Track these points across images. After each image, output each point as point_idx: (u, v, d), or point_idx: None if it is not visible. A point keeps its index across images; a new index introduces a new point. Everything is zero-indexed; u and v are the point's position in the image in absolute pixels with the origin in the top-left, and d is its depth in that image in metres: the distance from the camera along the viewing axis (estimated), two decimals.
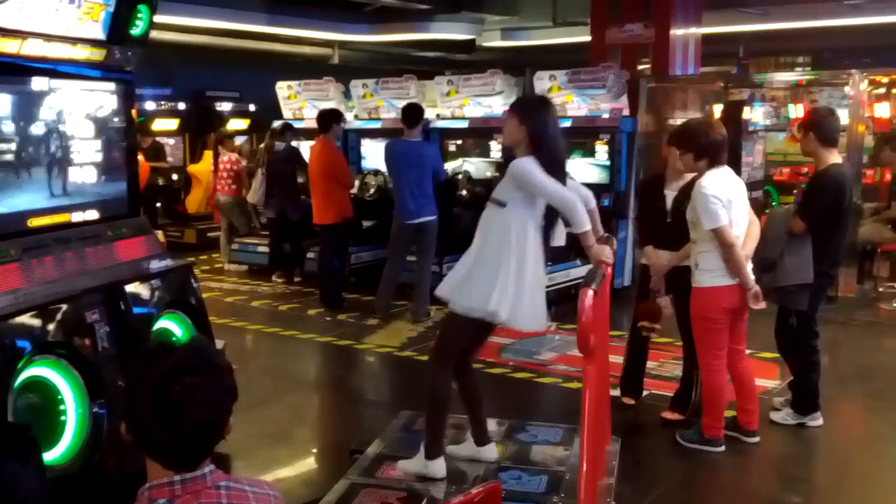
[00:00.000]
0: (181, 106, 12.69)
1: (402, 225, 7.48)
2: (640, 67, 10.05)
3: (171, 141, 12.56)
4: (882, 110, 9.81)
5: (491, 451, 4.14)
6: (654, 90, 8.93)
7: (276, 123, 10.24)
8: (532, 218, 3.75)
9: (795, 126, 5.28)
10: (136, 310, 4.24)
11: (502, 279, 3.68)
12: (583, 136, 8.67)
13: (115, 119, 4.67)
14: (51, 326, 3.72)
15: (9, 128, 3.95)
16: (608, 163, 8.56)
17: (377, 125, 10.20)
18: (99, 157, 4.56)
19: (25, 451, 3.22)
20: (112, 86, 4.64)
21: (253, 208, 10.48)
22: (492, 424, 4.46)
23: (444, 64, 15.01)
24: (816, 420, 5.00)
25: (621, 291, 7.66)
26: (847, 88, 8.19)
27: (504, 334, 6.86)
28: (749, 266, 4.52)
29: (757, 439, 4.76)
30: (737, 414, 4.79)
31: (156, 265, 4.65)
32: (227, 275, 10.02)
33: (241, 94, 13.60)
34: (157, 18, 4.72)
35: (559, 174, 3.76)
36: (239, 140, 11.79)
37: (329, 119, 8.11)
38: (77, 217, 4.38)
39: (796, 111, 9.73)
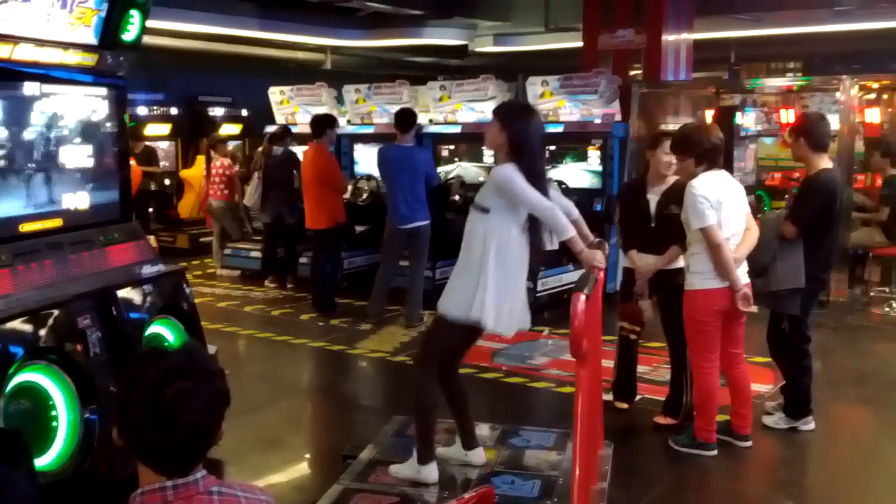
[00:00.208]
0: (173, 111, 12.67)
1: (394, 230, 7.48)
2: (632, 73, 10.09)
3: (164, 146, 12.53)
4: (873, 116, 9.87)
5: (479, 456, 4.15)
6: (646, 95, 8.96)
7: (273, 127, 10.24)
8: (515, 223, 3.78)
9: (786, 131, 5.29)
10: (128, 315, 4.23)
11: (484, 285, 3.71)
12: (575, 141, 8.71)
13: (108, 124, 4.66)
14: (42, 332, 3.71)
15: (0, 133, 3.93)
16: (600, 168, 8.58)
17: (370, 130, 10.22)
18: (91, 162, 4.55)
19: (17, 456, 3.21)
20: (104, 91, 4.63)
21: (246, 213, 10.47)
22: (485, 429, 4.46)
23: (437, 69, 15.04)
24: (808, 424, 5.01)
25: (613, 296, 7.66)
26: (838, 94, 8.24)
27: (497, 339, 6.86)
28: (744, 269, 4.54)
29: (749, 444, 4.77)
30: (730, 418, 4.80)
31: (148, 270, 4.64)
32: (220, 280, 9.99)
33: (234, 100, 13.59)
34: (150, 23, 4.72)
35: (539, 181, 3.79)
36: (231, 145, 11.77)
37: (323, 124, 8.11)
38: (69, 222, 4.36)
39: (787, 116, 9.76)
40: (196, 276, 9.94)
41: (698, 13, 10.09)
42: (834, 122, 7.97)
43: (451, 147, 9.79)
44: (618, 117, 8.57)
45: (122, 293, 4.25)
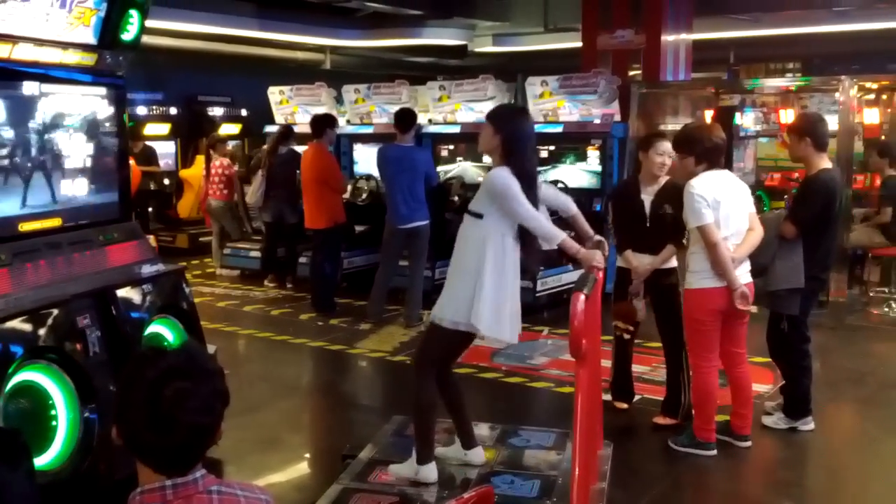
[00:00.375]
0: (173, 111, 12.66)
1: (394, 230, 7.48)
2: (632, 73, 10.09)
3: (164, 145, 12.52)
4: (872, 116, 9.86)
5: (478, 455, 4.16)
6: (646, 96, 8.96)
7: (275, 127, 10.20)
8: (510, 228, 3.80)
9: (785, 132, 5.29)
10: (127, 315, 4.23)
11: (481, 291, 3.71)
12: (574, 141, 8.71)
13: (107, 124, 4.66)
14: (42, 331, 3.71)
15: (0, 132, 3.93)
16: (599, 168, 8.58)
17: (369, 130, 10.22)
18: (90, 162, 4.54)
19: (16, 456, 3.21)
20: (103, 90, 4.63)
21: (245, 213, 10.46)
22: (484, 429, 4.46)
23: (436, 69, 15.03)
24: (808, 424, 5.02)
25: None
26: (837, 94, 8.23)
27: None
28: (746, 268, 4.54)
29: (749, 444, 4.77)
30: (730, 418, 4.80)
31: (147, 270, 4.64)
32: (219, 279, 9.99)
33: (233, 99, 13.59)
34: (149, 23, 4.72)
35: (530, 183, 3.81)
36: (231, 145, 11.77)
37: (322, 124, 8.11)
38: (68, 222, 4.36)
39: (787, 117, 9.76)
40: (195, 275, 9.94)
41: (697, 13, 10.09)
42: (833, 122, 7.98)
43: (451, 147, 9.79)
44: (617, 117, 8.57)
45: (122, 293, 4.25)
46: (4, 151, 3.95)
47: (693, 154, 4.57)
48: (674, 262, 5.04)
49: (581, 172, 8.70)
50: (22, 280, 3.86)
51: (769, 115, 9.84)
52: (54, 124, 4.28)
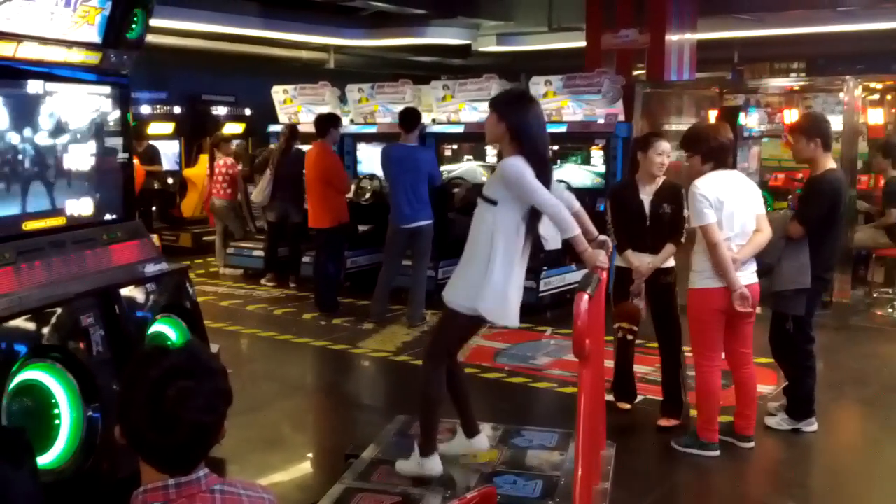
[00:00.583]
0: (177, 110, 12.68)
1: (397, 229, 7.48)
2: (636, 73, 10.09)
3: (168, 144, 12.53)
4: (876, 116, 9.84)
5: (482, 441, 4.16)
6: (650, 95, 8.94)
7: (277, 126, 10.19)
8: (522, 217, 3.77)
9: (789, 132, 5.28)
10: (130, 314, 4.23)
11: (490, 277, 3.70)
12: (578, 141, 8.70)
13: (111, 122, 4.67)
14: (45, 330, 3.71)
15: (4, 130, 3.94)
16: (603, 168, 8.57)
17: (373, 130, 10.22)
18: (94, 161, 4.55)
19: (19, 455, 3.21)
20: (107, 89, 4.63)
21: (249, 212, 10.46)
22: (487, 429, 4.46)
23: (440, 69, 15.03)
24: (811, 425, 5.01)
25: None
26: (842, 95, 8.22)
27: (499, 339, 6.87)
28: (751, 269, 4.54)
29: (752, 445, 4.76)
30: (734, 419, 4.80)
31: (151, 269, 4.64)
32: (223, 279, 10.00)
33: (237, 99, 13.60)
34: (153, 22, 4.72)
35: (544, 170, 3.77)
36: (234, 144, 11.77)
37: (326, 123, 8.11)
38: (72, 221, 4.37)
39: (791, 117, 9.74)
40: (199, 274, 9.95)
41: (702, 13, 10.08)
42: (837, 122, 7.97)
43: (455, 147, 9.78)
44: (621, 117, 8.56)
45: (125, 292, 4.26)
46: (8, 151, 3.96)
47: (699, 153, 4.58)
48: (672, 262, 5.05)
49: (585, 172, 8.70)
50: (26, 279, 3.87)
51: (773, 116, 9.81)
52: (58, 123, 4.28)
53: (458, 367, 4.19)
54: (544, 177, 3.75)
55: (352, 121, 10.47)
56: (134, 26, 4.51)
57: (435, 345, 4.06)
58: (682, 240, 4.98)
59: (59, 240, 4.21)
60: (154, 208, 11.86)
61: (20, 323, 3.60)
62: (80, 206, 4.45)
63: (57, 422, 3.76)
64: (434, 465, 3.93)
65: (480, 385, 5.84)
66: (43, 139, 4.18)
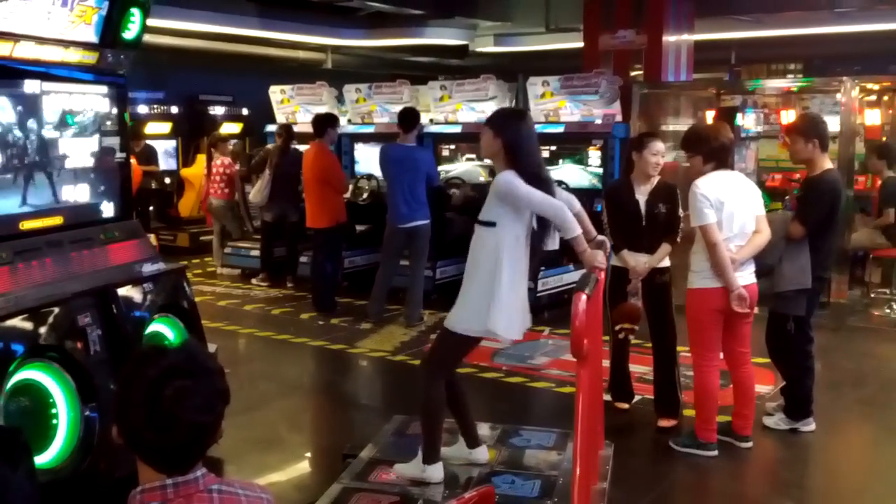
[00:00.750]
0: (174, 110, 12.68)
1: (394, 229, 7.48)
2: (633, 74, 10.08)
3: (165, 144, 12.52)
4: (873, 117, 9.85)
5: (482, 453, 4.16)
6: (647, 96, 8.94)
7: (274, 126, 10.17)
8: (522, 231, 3.79)
9: (786, 133, 5.28)
10: (128, 313, 4.22)
11: (499, 298, 3.72)
12: (575, 141, 8.70)
13: (108, 122, 4.66)
14: (42, 330, 3.71)
15: (1, 130, 3.93)
16: (601, 169, 8.57)
17: (370, 130, 10.22)
18: (91, 161, 4.55)
19: (16, 454, 3.20)
20: (104, 89, 4.63)
21: (246, 212, 10.46)
22: (485, 429, 4.46)
23: (438, 69, 15.02)
24: (809, 425, 5.01)
25: None
26: (839, 96, 8.22)
27: (498, 339, 6.86)
28: (749, 269, 4.54)
29: (750, 444, 4.77)
30: (732, 419, 4.80)
31: (148, 269, 4.64)
32: (220, 278, 10.00)
33: (234, 99, 13.59)
34: (150, 22, 4.72)
35: (543, 184, 3.79)
36: (232, 144, 11.76)
37: (324, 123, 8.11)
38: (69, 220, 4.36)
39: (788, 118, 9.75)
40: (196, 274, 9.94)
41: (699, 14, 10.07)
42: (834, 123, 7.97)
43: (452, 147, 9.78)
44: (618, 118, 8.56)
45: (123, 291, 4.25)
46: (5, 150, 3.95)
47: (701, 153, 4.58)
48: (668, 261, 5.06)
49: (582, 173, 8.70)
50: (23, 278, 3.86)
51: (770, 116, 9.82)
52: (56, 123, 4.28)
53: (456, 383, 4.17)
54: (545, 190, 3.76)
55: (349, 121, 10.47)
56: (131, 26, 4.50)
57: (434, 361, 4.06)
58: (678, 239, 4.99)
59: (57, 239, 4.21)
60: (151, 208, 11.85)
61: (17, 322, 3.59)
62: (78, 206, 4.45)
63: (54, 421, 3.76)
64: (435, 473, 3.93)
65: (478, 385, 5.84)
66: (40, 139, 4.17)
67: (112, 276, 4.33)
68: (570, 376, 5.79)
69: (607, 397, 5.14)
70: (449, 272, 8.49)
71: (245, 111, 13.49)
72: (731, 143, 4.69)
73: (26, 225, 4.08)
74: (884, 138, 9.73)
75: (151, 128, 12.25)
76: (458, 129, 9.50)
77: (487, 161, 9.24)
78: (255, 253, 9.83)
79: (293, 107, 10.94)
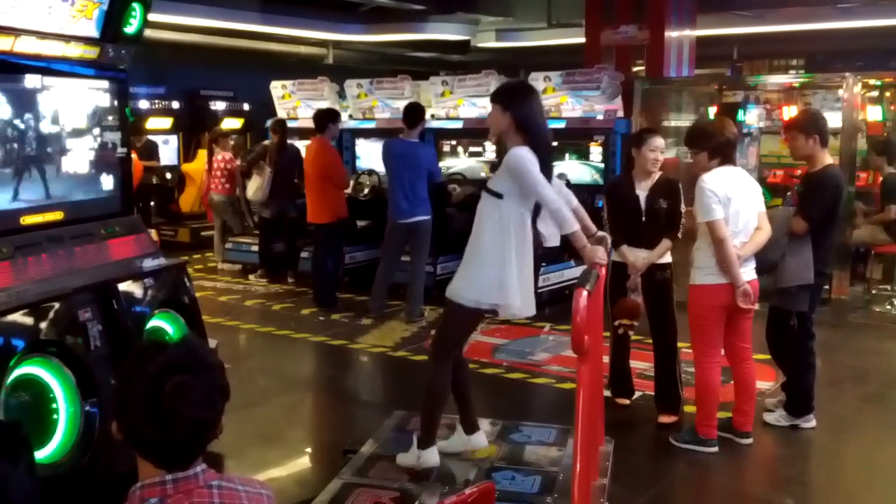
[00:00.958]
0: (175, 105, 12.66)
1: (395, 225, 7.47)
2: (635, 69, 10.07)
3: (166, 140, 12.52)
4: (875, 113, 9.84)
5: (480, 439, 4.16)
6: (649, 92, 8.94)
7: (272, 120, 10.18)
8: (528, 209, 3.78)
9: (785, 129, 5.27)
10: (128, 308, 4.22)
11: (510, 270, 3.70)
12: (577, 137, 8.69)
13: (109, 117, 4.66)
14: (43, 325, 3.71)
15: (2, 125, 3.93)
16: (602, 164, 8.57)
17: (372, 125, 10.21)
18: (92, 156, 4.54)
19: (16, 449, 3.21)
20: (105, 84, 4.62)
21: (247, 207, 10.45)
22: (485, 424, 4.45)
23: (439, 64, 15.01)
24: (810, 422, 5.01)
25: None
26: (840, 91, 8.21)
27: (498, 335, 6.87)
28: (750, 266, 4.54)
29: (750, 441, 4.77)
30: (732, 415, 4.80)
31: (149, 264, 4.64)
32: (221, 274, 10.00)
33: (236, 94, 13.58)
34: (151, 17, 4.72)
35: (547, 160, 3.78)
36: (233, 139, 11.75)
37: (325, 119, 8.10)
38: (70, 215, 4.36)
39: (790, 114, 9.73)
40: (197, 270, 9.95)
41: (701, 10, 10.06)
42: (836, 119, 7.96)
43: (453, 142, 9.78)
44: (620, 113, 8.56)
45: (123, 286, 4.25)
46: (6, 145, 3.95)
47: (706, 149, 4.57)
48: (669, 257, 5.05)
49: (583, 168, 8.69)
50: (23, 273, 3.86)
51: (772, 112, 9.81)
52: (56, 118, 4.28)
53: (462, 364, 4.18)
54: (546, 168, 3.76)
55: (350, 116, 10.46)
56: (132, 21, 4.50)
57: (440, 342, 4.06)
58: (679, 235, 4.97)
59: (57, 234, 4.21)
60: (152, 203, 11.86)
61: (18, 317, 3.59)
62: (78, 201, 4.45)
63: (54, 416, 3.76)
64: (431, 458, 3.94)
65: (479, 381, 5.83)
66: (40, 134, 4.17)
67: (112, 272, 4.33)
68: (570, 372, 5.80)
69: (607, 393, 5.13)
70: (450, 268, 8.46)
71: (246, 106, 13.48)
72: (736, 139, 4.68)
73: (27, 220, 4.08)
74: (885, 135, 9.71)
75: (152, 123, 12.24)
76: (459, 125, 9.49)
77: (489, 158, 9.35)
78: (256, 248, 9.82)
79: (294, 102, 10.94)
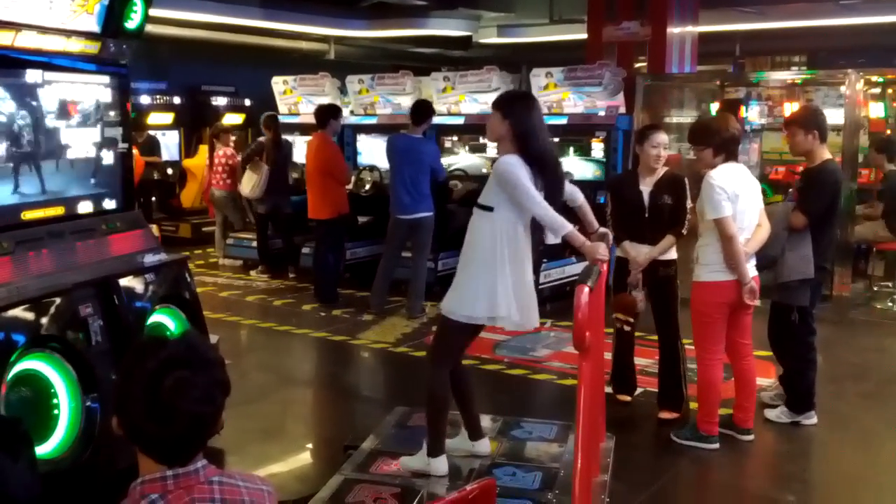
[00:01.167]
0: (176, 100, 12.65)
1: (397, 220, 7.47)
2: (637, 65, 10.04)
3: (167, 135, 12.51)
4: (877, 110, 9.82)
5: (484, 445, 4.16)
6: (651, 88, 8.92)
7: (264, 116, 10.15)
8: (521, 217, 3.75)
9: (785, 125, 5.26)
10: (129, 304, 4.22)
11: (505, 283, 3.69)
12: (579, 133, 8.68)
13: (110, 113, 4.66)
14: (44, 320, 3.71)
15: (3, 120, 3.92)
16: (604, 160, 8.56)
17: (373, 121, 10.20)
18: (93, 151, 4.54)
19: (17, 444, 3.21)
20: (107, 79, 4.62)
21: (248, 202, 10.46)
22: (486, 421, 4.46)
23: (441, 60, 14.98)
24: (811, 419, 5.01)
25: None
26: (843, 88, 8.20)
27: (499, 331, 6.86)
28: (751, 263, 4.53)
29: (751, 437, 4.76)
30: (733, 411, 4.80)
31: (150, 259, 4.64)
32: (222, 269, 10.00)
33: (237, 89, 13.57)
34: (153, 12, 4.71)
35: (549, 169, 3.76)
36: (234, 135, 11.75)
37: (327, 114, 8.09)
38: (71, 210, 4.36)
39: (792, 110, 9.72)
40: (198, 265, 9.95)
41: (703, 6, 10.03)
42: (839, 116, 7.95)
43: (455, 138, 9.77)
44: (622, 110, 8.55)
45: (124, 282, 4.25)
46: (7, 140, 3.95)
47: (711, 146, 4.55)
48: (673, 254, 5.04)
49: (585, 164, 8.68)
50: (24, 268, 3.86)
51: (774, 109, 9.79)
52: (57, 113, 4.27)
53: (464, 371, 4.17)
54: (549, 175, 3.74)
55: (352, 112, 10.44)
56: (133, 16, 4.50)
57: (437, 350, 4.05)
58: (684, 231, 4.95)
59: (58, 230, 4.20)
60: (154, 199, 11.85)
61: (19, 313, 3.59)
62: (80, 196, 4.44)
63: (55, 412, 3.76)
64: (440, 466, 3.93)
65: (480, 377, 5.83)
66: (42, 129, 4.17)
67: (114, 267, 4.33)
68: (571, 368, 5.79)
69: (608, 390, 5.13)
70: (451, 264, 8.44)
71: (247, 102, 13.47)
72: (740, 134, 4.67)
73: (28, 215, 4.07)
74: (888, 132, 9.70)
75: (154, 118, 12.24)
76: (461, 121, 9.48)
77: (490, 154, 9.33)
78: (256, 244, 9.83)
79: (295, 98, 10.92)
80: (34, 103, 4.12)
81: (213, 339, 4.79)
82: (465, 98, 9.48)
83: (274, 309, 8.13)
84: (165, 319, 4.56)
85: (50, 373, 3.75)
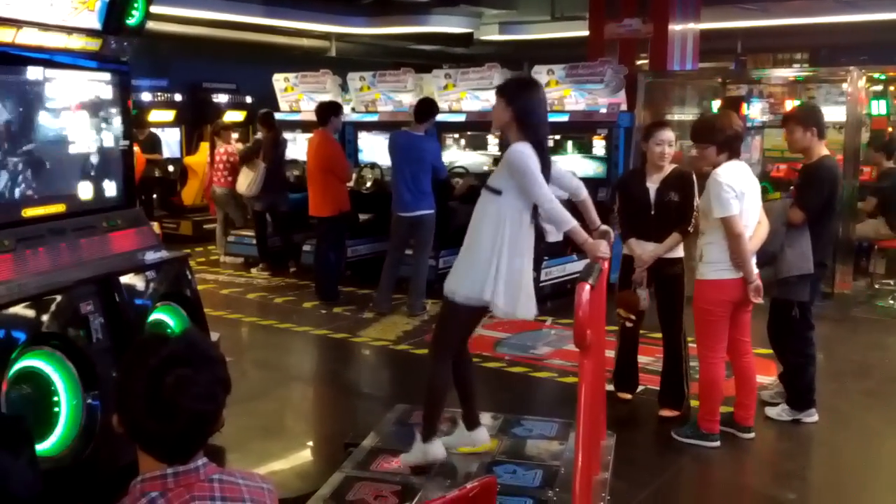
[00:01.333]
0: (178, 97, 12.66)
1: (398, 218, 7.47)
2: (639, 63, 10.04)
3: (168, 132, 12.51)
4: (879, 107, 9.82)
5: (482, 434, 4.16)
6: (652, 85, 8.92)
7: (260, 113, 10.13)
8: (527, 206, 3.75)
9: (783, 122, 5.26)
10: (130, 301, 4.22)
11: (498, 268, 3.69)
12: (580, 130, 8.67)
13: (111, 110, 4.65)
14: (45, 317, 3.71)
15: (4, 117, 3.92)
16: (605, 157, 8.55)
17: (374, 118, 10.19)
18: (94, 148, 4.54)
19: (18, 442, 3.21)
20: (108, 76, 4.61)
21: (248, 200, 10.46)
22: (487, 419, 4.46)
23: (442, 57, 14.98)
24: (811, 416, 5.01)
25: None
26: (845, 85, 8.19)
27: (500, 329, 6.87)
28: (753, 260, 4.53)
29: (752, 435, 4.76)
30: (734, 409, 4.80)
31: (151, 257, 4.64)
32: (223, 267, 10.00)
33: (238, 86, 13.58)
34: (154, 9, 4.70)
35: (542, 153, 3.78)
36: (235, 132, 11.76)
37: (328, 112, 8.08)
38: (72, 208, 4.35)
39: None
40: (199, 263, 9.95)
41: (705, 3, 10.03)
42: (840, 113, 7.95)
43: (456, 135, 9.76)
44: (623, 107, 8.54)
45: (125, 279, 4.25)
46: (8, 137, 3.94)
47: (715, 143, 4.53)
48: (680, 252, 5.01)
49: (587, 161, 8.67)
50: (25, 266, 3.86)
51: (776, 106, 9.79)
52: (58, 110, 4.26)
53: (466, 360, 4.17)
54: (542, 158, 3.75)
55: (353, 109, 10.44)
56: (134, 12, 4.49)
57: (439, 338, 4.05)
58: (690, 229, 4.93)
59: (59, 227, 4.20)
60: (155, 196, 11.86)
61: (19, 310, 3.59)
62: (81, 194, 4.45)
63: (56, 409, 3.76)
64: (437, 450, 3.94)
65: (481, 374, 5.79)
66: (43, 126, 4.16)
67: (115, 265, 4.33)
68: (572, 366, 5.79)
69: (610, 387, 5.13)
70: (452, 262, 8.41)
71: (249, 99, 13.48)
72: (743, 132, 4.67)
73: (29, 212, 4.07)
74: (889, 129, 9.71)
75: (155, 116, 12.24)
76: (462, 118, 9.46)
77: (491, 152, 9.32)
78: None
79: (297, 95, 10.91)
80: (35, 100, 4.12)
81: (214, 336, 4.78)
82: (467, 95, 9.46)
83: (275, 306, 8.13)
84: (166, 317, 4.56)
85: (51, 370, 3.75)
